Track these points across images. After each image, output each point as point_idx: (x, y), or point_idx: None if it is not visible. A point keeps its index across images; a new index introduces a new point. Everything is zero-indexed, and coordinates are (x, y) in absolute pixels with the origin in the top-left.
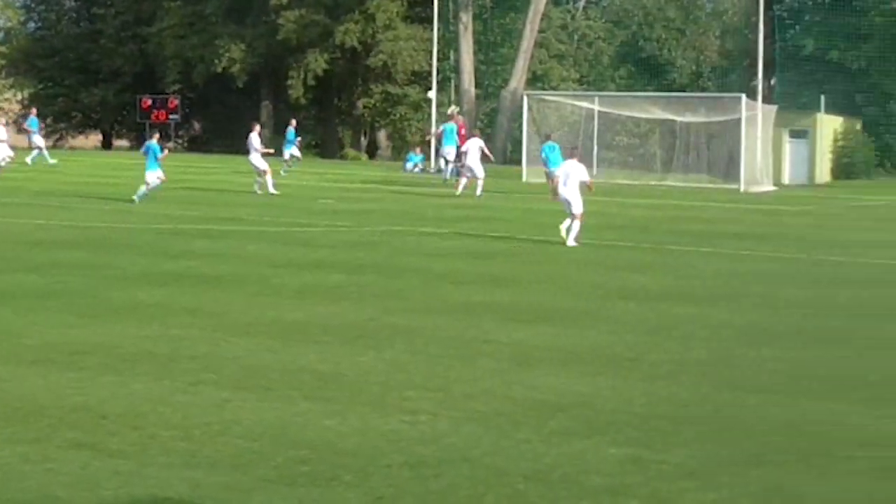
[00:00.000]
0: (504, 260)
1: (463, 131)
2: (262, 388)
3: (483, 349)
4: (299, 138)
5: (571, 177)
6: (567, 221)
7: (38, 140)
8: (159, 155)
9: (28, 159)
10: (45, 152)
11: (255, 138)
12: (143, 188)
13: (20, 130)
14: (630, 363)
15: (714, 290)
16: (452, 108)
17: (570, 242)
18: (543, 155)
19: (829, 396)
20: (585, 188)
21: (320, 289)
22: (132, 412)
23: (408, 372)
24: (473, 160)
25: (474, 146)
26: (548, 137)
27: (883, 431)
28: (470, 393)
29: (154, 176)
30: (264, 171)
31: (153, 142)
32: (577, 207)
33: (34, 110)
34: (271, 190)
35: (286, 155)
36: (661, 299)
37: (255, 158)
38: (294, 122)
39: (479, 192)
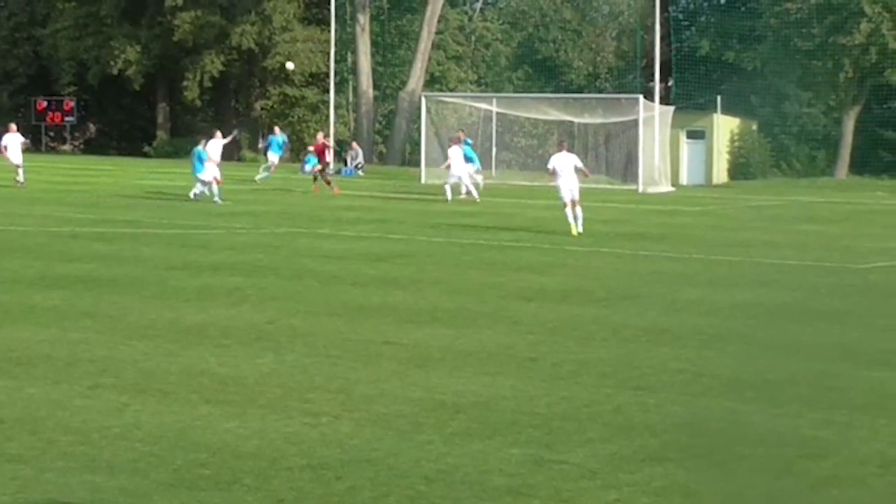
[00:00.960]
0: (402, 261)
1: (326, 151)
2: (161, 392)
3: (383, 351)
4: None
5: (567, 166)
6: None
7: None
8: (205, 159)
9: None
10: None
11: (217, 146)
12: (197, 186)
13: None
14: (531, 363)
15: (614, 290)
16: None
17: (580, 229)
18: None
19: (728, 395)
20: (582, 175)
21: (219, 291)
22: (29, 417)
23: (308, 374)
24: (460, 167)
25: (458, 154)
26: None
27: (780, 430)
28: (371, 395)
29: (208, 175)
30: (215, 181)
31: (200, 147)
32: (576, 193)
33: None
34: (217, 199)
35: (275, 160)
36: (561, 300)
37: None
38: (277, 129)
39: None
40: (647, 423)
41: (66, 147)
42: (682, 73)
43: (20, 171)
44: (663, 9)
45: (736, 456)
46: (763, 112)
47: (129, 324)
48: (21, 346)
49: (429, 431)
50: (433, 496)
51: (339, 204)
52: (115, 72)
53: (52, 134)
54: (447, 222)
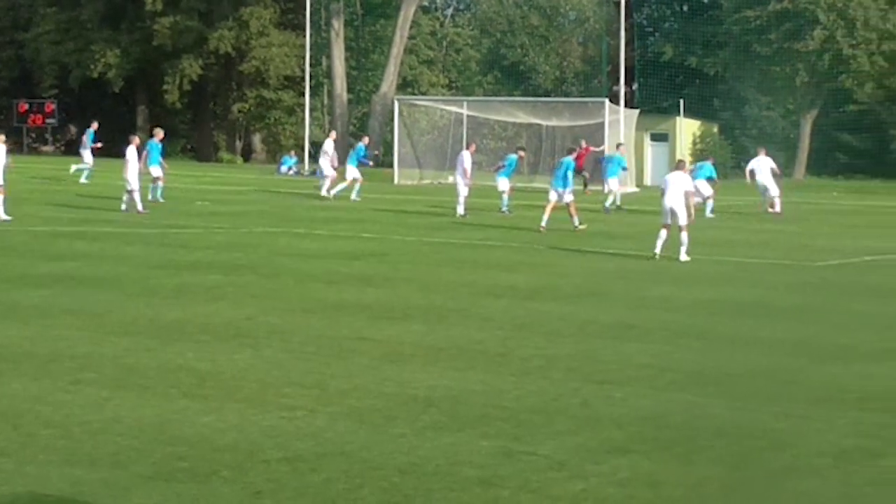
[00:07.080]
0: (375, 260)
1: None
2: (140, 387)
3: (356, 347)
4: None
5: (673, 186)
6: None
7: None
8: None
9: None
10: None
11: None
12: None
13: None
14: (500, 358)
15: (580, 287)
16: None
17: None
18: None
19: (690, 389)
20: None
21: (198, 289)
22: (11, 411)
23: (285, 369)
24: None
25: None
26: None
27: (739, 422)
28: (345, 389)
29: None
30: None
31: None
32: (682, 219)
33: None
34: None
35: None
36: (529, 297)
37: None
38: (366, 139)
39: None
40: (612, 416)
41: (48, 148)
42: (646, 77)
43: None
44: (628, 15)
45: (697, 447)
46: (724, 115)
47: (110, 321)
48: (4, 343)
49: (401, 425)
50: (406, 487)
51: (315, 204)
52: (95, 75)
53: (33, 135)
54: (419, 222)
